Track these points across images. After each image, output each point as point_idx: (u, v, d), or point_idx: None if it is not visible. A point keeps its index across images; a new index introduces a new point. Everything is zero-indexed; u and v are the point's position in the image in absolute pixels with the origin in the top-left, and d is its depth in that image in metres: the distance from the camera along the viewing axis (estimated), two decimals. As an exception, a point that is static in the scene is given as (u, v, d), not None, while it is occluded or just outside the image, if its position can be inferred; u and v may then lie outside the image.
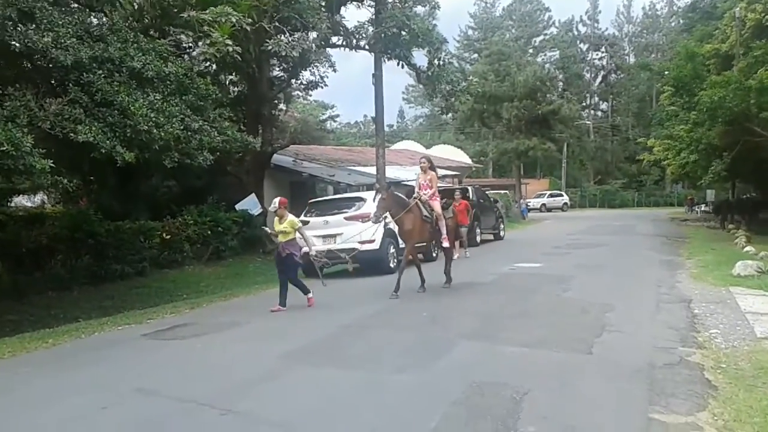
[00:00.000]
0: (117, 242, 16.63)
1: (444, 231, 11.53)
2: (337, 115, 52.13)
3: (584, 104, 74.10)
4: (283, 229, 10.25)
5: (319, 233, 14.19)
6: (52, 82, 10.35)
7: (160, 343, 8.28)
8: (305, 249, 10.71)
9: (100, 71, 10.09)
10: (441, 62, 20.43)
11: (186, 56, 13.99)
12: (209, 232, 19.05)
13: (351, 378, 6.10)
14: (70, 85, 9.86)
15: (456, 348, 7.06)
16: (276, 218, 10.46)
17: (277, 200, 10.45)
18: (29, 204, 25.00)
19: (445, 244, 11.66)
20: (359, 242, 13.89)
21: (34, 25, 9.44)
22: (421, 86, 26.94)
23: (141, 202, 20.45)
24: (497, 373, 5.98)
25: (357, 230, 13.79)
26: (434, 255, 12.45)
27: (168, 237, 18.06)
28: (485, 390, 5.42)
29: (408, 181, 25.95)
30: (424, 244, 13.30)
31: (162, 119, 10.33)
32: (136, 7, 16.20)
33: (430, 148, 45.45)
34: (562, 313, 8.64)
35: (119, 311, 12.34)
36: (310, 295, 10.40)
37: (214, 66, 20.70)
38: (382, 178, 21.28)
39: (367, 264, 14.42)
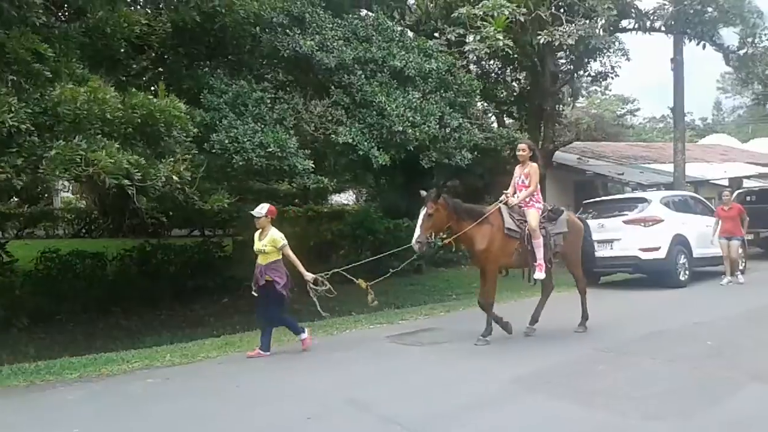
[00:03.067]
0: (395, 239, 17.14)
1: (540, 254, 7.87)
2: (637, 109, 48.09)
3: None
4: (263, 248, 7.60)
5: (594, 238, 12.76)
6: (317, 84, 10.76)
7: (398, 348, 7.98)
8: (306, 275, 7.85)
9: (361, 72, 10.21)
10: (757, 41, 17.18)
11: (457, 53, 13.65)
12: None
13: (589, 419, 4.98)
14: (333, 86, 10.14)
15: (741, 393, 5.49)
16: (257, 231, 7.80)
17: (264, 207, 7.74)
18: (345, 201, 27.58)
19: (538, 273, 7.91)
20: (641, 249, 12.18)
21: (299, 30, 9.88)
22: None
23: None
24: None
25: (638, 236, 12.10)
26: (531, 283, 8.21)
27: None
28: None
29: (716, 179, 22.61)
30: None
31: (419, 118, 10.11)
32: (424, 10, 16.48)
33: (747, 142, 39.37)
34: None
35: (389, 307, 12.49)
36: (304, 335, 7.91)
37: (498, 62, 20.33)
38: (680, 177, 18.72)
39: (651, 276, 12.60)
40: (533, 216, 7.87)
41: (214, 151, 8.99)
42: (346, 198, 28.82)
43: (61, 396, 6.20)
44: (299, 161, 9.33)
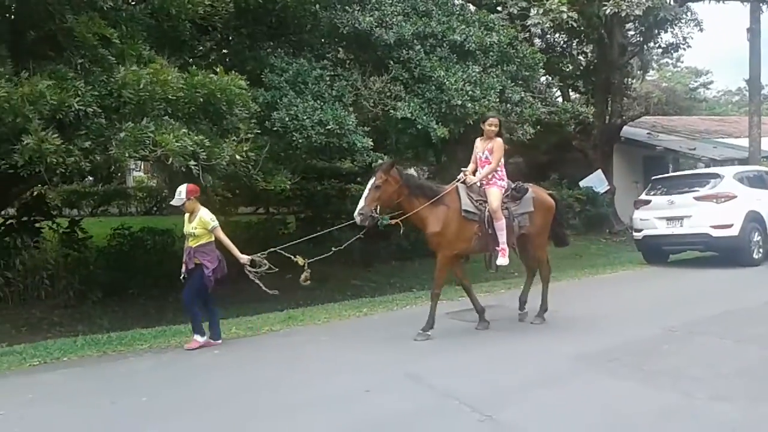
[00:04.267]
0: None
1: (502, 238, 7.08)
2: (711, 82, 45.93)
3: None
4: (192, 231, 7.12)
5: (663, 215, 12.35)
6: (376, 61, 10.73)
7: (458, 324, 7.94)
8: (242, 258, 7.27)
9: (420, 47, 10.12)
10: None
11: (519, 27, 13.34)
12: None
13: (654, 399, 4.85)
14: (392, 62, 10.09)
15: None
16: (186, 215, 7.26)
17: (182, 191, 7.09)
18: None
19: (501, 259, 7.11)
20: (712, 227, 11.70)
21: (359, 7, 9.86)
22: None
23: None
24: None
25: (710, 212, 11.63)
26: (493, 269, 7.60)
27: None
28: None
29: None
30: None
31: (478, 92, 9.96)
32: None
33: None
34: None
35: (450, 284, 12.44)
36: (198, 338, 7.07)
37: (563, 35, 19.78)
38: (755, 152, 17.86)
39: (723, 254, 12.11)
40: (494, 195, 7.08)
41: (275, 129, 9.11)
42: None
43: (131, 366, 6.48)
44: (358, 138, 9.36)
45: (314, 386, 5.53)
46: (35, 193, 13.31)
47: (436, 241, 7.11)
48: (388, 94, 9.91)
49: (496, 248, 7.11)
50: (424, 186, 7.29)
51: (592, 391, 5.12)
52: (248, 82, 8.75)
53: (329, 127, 9.03)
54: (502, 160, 7.30)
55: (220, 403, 5.15)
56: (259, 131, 8.89)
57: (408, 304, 9.53)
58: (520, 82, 11.17)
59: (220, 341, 7.20)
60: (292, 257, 7.60)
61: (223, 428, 4.66)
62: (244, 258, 7.20)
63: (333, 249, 7.78)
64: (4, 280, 10.57)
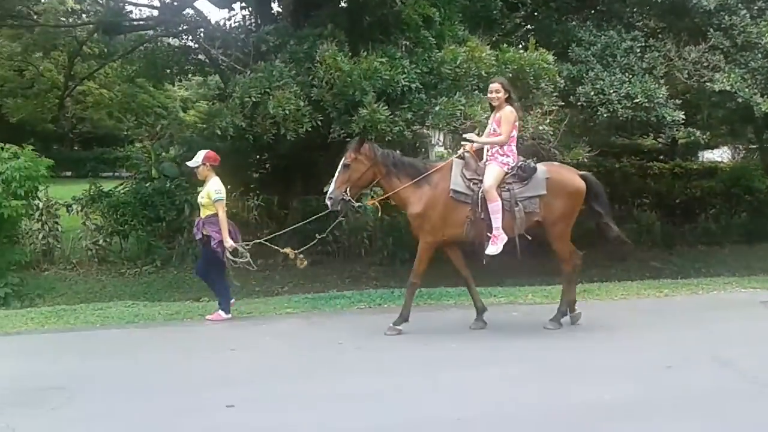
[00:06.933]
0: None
1: (496, 222, 6.00)
2: None
3: None
4: (200, 201, 6.94)
5: None
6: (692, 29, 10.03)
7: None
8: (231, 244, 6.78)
9: (746, 11, 9.23)
10: None
11: None
12: None
13: None
14: (711, 29, 9.37)
15: None
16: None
17: (200, 155, 6.93)
18: (717, 158, 25.38)
19: (491, 247, 6.05)
20: None
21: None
22: None
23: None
24: None
25: None
26: (483, 261, 6.26)
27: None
28: None
29: None
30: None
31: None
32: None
33: None
34: None
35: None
36: (222, 314, 6.95)
37: None
38: None
39: None
40: (491, 173, 6.07)
41: (579, 104, 9.16)
42: (719, 155, 26.28)
43: (440, 316, 7.26)
44: (668, 112, 8.97)
45: (615, 359, 5.60)
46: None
47: (416, 224, 6.34)
48: (705, 64, 9.24)
49: (488, 234, 6.10)
50: (405, 163, 6.44)
51: None
52: (554, 57, 8.93)
53: (637, 100, 8.80)
54: (516, 132, 6.29)
55: (525, 359, 5.57)
56: (561, 103, 9.03)
57: (715, 289, 8.91)
58: None
59: (228, 315, 7.05)
60: (280, 249, 7.33)
61: (522, 382, 5.04)
62: (229, 242, 6.76)
63: (318, 236, 7.32)
64: (333, 238, 12.28)
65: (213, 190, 6.75)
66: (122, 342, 6.51)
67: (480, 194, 6.04)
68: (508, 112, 6.13)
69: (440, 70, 8.25)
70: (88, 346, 6.25)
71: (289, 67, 8.80)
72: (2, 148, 8.67)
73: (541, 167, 6.27)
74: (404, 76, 8.17)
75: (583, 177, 6.44)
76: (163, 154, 12.02)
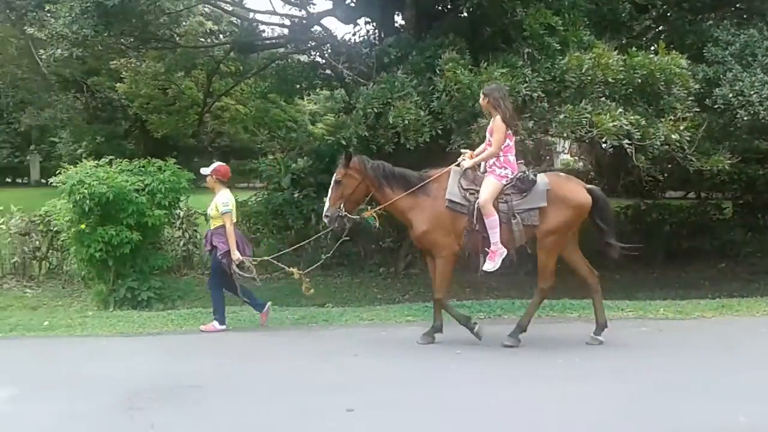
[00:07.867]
0: None
1: (494, 237, 5.86)
2: None
3: None
4: (208, 212, 7.20)
5: None
6: None
7: None
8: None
9: None
10: None
11: None
12: None
13: None
14: None
15: None
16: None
17: (215, 164, 7.32)
18: None
19: (488, 263, 5.96)
20: None
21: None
22: None
23: None
24: None
25: None
26: (479, 274, 6.05)
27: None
28: None
29: None
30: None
31: None
32: None
33: None
34: None
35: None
36: (218, 325, 7.06)
37: None
38: None
39: None
40: (487, 187, 5.95)
41: (716, 106, 8.62)
42: None
43: (561, 329, 7.09)
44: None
45: (754, 375, 5.27)
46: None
47: (426, 241, 6.26)
48: None
49: (486, 249, 5.98)
50: (397, 175, 6.28)
51: None
52: (688, 61, 8.49)
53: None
54: (511, 142, 6.11)
55: (650, 376, 5.34)
56: (697, 109, 8.56)
57: None
58: None
59: (223, 326, 7.12)
60: (286, 268, 7.32)
61: (647, 400, 4.82)
62: (236, 255, 6.82)
63: (323, 256, 7.58)
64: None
65: (221, 203, 6.94)
66: (252, 344, 6.86)
67: (475, 206, 6.00)
68: (498, 122, 6.06)
69: (564, 78, 8.06)
70: (221, 348, 6.62)
71: (411, 78, 8.95)
72: (148, 162, 9.34)
73: (542, 178, 6.13)
74: (525, 85, 8.06)
75: (589, 191, 6.29)
76: (293, 165, 12.52)
